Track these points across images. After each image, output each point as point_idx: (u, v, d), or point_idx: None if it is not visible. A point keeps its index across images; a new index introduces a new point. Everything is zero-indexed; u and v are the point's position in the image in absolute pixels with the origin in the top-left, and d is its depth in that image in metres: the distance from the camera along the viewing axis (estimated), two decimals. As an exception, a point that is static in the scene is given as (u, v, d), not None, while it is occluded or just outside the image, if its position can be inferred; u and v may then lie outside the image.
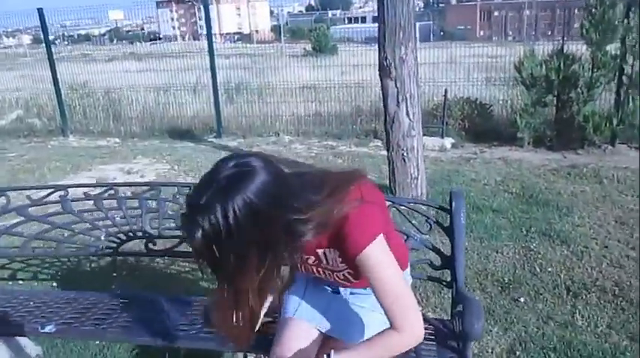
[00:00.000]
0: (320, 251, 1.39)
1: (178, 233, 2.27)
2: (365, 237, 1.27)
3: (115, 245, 2.29)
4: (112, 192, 2.25)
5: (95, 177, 5.65)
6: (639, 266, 3.14)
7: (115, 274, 3.23)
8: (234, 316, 1.25)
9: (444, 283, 1.98)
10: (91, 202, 2.27)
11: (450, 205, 1.88)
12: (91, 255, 2.33)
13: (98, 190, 2.31)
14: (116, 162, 6.36)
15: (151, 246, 2.24)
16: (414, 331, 1.28)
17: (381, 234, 1.29)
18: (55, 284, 3.17)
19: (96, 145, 7.54)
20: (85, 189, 2.32)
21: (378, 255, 1.28)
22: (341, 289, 1.58)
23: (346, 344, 1.44)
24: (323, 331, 1.53)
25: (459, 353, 1.65)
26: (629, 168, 5.23)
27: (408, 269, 1.67)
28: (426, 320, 1.88)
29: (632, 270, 3.12)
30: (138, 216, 2.24)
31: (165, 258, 3.09)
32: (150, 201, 2.26)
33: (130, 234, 2.23)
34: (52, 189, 2.30)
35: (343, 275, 1.43)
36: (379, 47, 4.01)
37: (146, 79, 8.73)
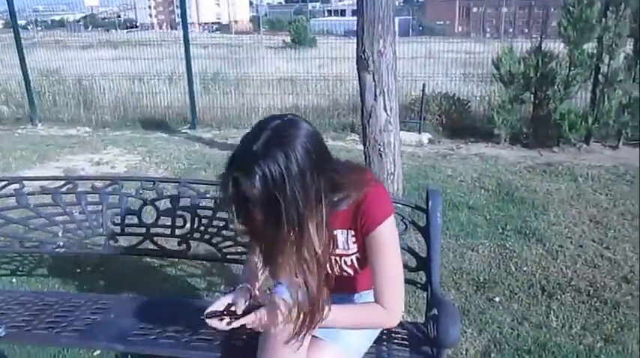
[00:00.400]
0: (333, 232, 1.40)
1: (142, 230, 2.16)
2: (382, 213, 1.35)
3: (74, 242, 2.16)
4: (71, 186, 2.11)
5: (62, 167, 5.46)
6: None
7: (79, 270, 3.10)
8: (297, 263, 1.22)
9: (419, 285, 1.91)
10: (49, 196, 2.14)
11: (427, 204, 1.81)
12: (48, 252, 2.20)
13: (57, 183, 2.17)
14: (85, 152, 6.16)
15: (112, 243, 2.12)
16: (398, 314, 1.40)
17: (393, 215, 1.37)
18: (14, 280, 3.01)
19: (65, 134, 7.30)
20: (43, 183, 2.18)
21: (389, 232, 1.36)
22: None
23: (331, 345, 1.45)
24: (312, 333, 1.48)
25: (433, 359, 1.58)
26: (603, 166, 5.26)
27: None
28: (399, 323, 1.82)
29: (607, 270, 3.11)
30: (98, 211, 2.11)
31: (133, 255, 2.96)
32: (111, 197, 2.14)
33: (90, 230, 2.11)
34: (6, 182, 2.15)
35: (351, 260, 1.44)
36: (357, 40, 3.92)
37: (121, 68, 8.49)
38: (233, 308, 1.36)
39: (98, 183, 2.19)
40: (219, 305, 1.38)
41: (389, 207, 1.37)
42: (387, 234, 1.36)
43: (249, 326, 1.31)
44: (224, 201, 1.20)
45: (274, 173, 1.10)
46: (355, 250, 1.43)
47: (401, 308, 1.40)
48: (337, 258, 1.45)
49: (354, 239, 1.41)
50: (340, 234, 1.41)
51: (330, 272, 1.46)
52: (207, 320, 1.34)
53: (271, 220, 1.15)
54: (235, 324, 1.32)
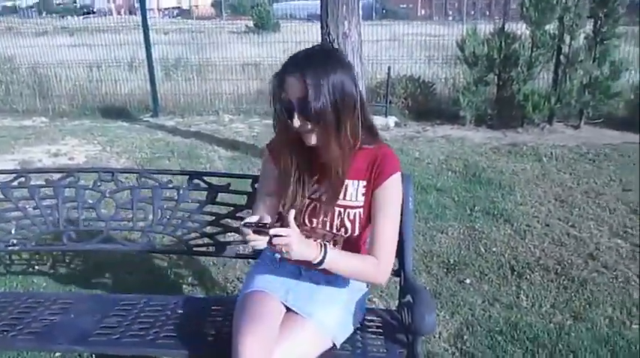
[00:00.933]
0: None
1: (101, 224, 2.05)
2: (395, 167, 1.49)
3: (29, 239, 2.04)
4: (23, 179, 1.99)
5: (18, 159, 5.23)
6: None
7: (37, 268, 2.96)
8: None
9: (391, 271, 1.87)
10: (-1, 191, 2.00)
11: (398, 189, 1.76)
12: (2, 250, 2.07)
13: (6, 177, 2.03)
14: (43, 143, 5.91)
15: (69, 239, 2.01)
16: (387, 272, 1.48)
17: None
18: (-34, 280, 2.86)
19: (20, 125, 7.00)
20: (-8, 177, 2.04)
21: (397, 187, 1.49)
22: (303, 270, 1.57)
23: (305, 320, 1.46)
24: (288, 305, 1.50)
25: (408, 347, 1.54)
26: (567, 146, 5.35)
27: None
28: (372, 310, 1.79)
29: (573, 248, 3.15)
30: (54, 206, 1.99)
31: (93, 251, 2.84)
32: (67, 190, 2.02)
33: (45, 226, 1.99)
34: (-49, 177, 2.01)
35: (354, 214, 1.49)
36: (322, 22, 3.85)
37: (78, 55, 8.18)
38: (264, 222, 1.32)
39: (53, 176, 2.07)
40: (254, 218, 1.34)
41: (399, 164, 1.51)
42: (395, 188, 1.48)
43: (283, 242, 1.28)
44: (273, 102, 1.38)
45: (322, 75, 1.31)
46: (362, 203, 1.49)
47: (391, 268, 1.49)
48: (342, 210, 1.49)
49: (364, 191, 1.49)
50: (351, 185, 1.49)
51: (330, 225, 1.50)
52: (244, 229, 1.30)
53: (315, 118, 1.33)
54: (273, 232, 1.28)
